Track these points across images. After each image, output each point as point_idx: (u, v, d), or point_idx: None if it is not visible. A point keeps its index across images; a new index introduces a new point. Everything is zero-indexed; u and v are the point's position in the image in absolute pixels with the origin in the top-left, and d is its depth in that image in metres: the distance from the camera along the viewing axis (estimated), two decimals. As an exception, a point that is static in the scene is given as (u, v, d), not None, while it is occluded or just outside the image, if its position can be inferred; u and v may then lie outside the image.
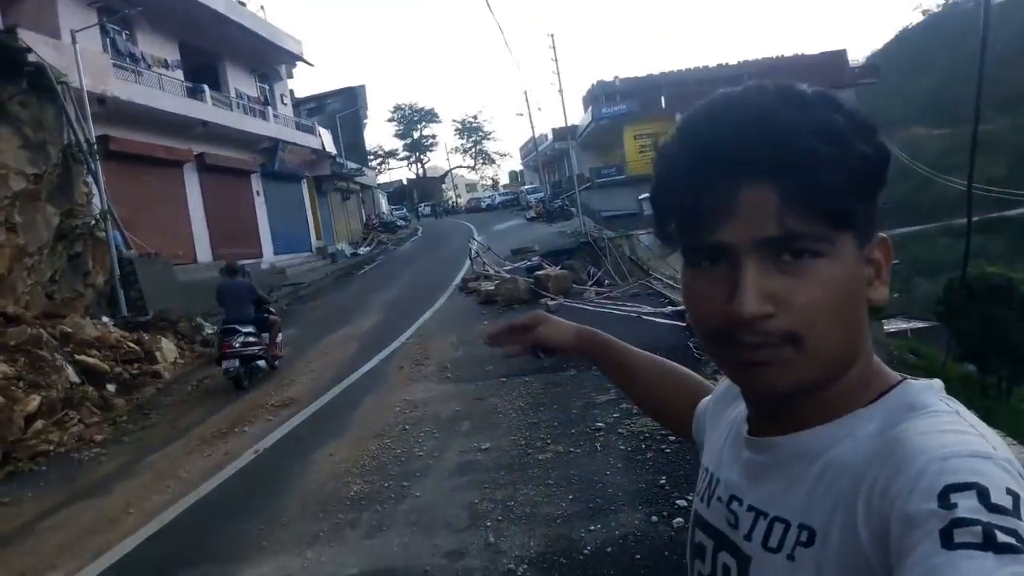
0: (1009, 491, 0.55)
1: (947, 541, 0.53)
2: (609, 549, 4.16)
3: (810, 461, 0.71)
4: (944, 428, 0.63)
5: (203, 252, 19.79)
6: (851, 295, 0.69)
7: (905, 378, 0.73)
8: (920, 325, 29.00)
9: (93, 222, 13.71)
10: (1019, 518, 0.53)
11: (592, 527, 4.46)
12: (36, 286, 12.32)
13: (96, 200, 14.02)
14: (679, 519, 4.34)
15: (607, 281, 17.20)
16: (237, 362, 9.72)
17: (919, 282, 36.63)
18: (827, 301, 0.66)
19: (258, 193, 24.42)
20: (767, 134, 0.66)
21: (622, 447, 5.75)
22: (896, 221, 38.08)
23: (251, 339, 10.05)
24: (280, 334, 11.18)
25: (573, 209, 31.35)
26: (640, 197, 35.60)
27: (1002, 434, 4.62)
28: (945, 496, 0.56)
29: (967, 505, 0.54)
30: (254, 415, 8.37)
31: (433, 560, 4.30)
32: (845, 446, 0.69)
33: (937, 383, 0.71)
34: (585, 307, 12.64)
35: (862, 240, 0.69)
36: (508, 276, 15.13)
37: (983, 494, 0.55)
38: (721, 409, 0.94)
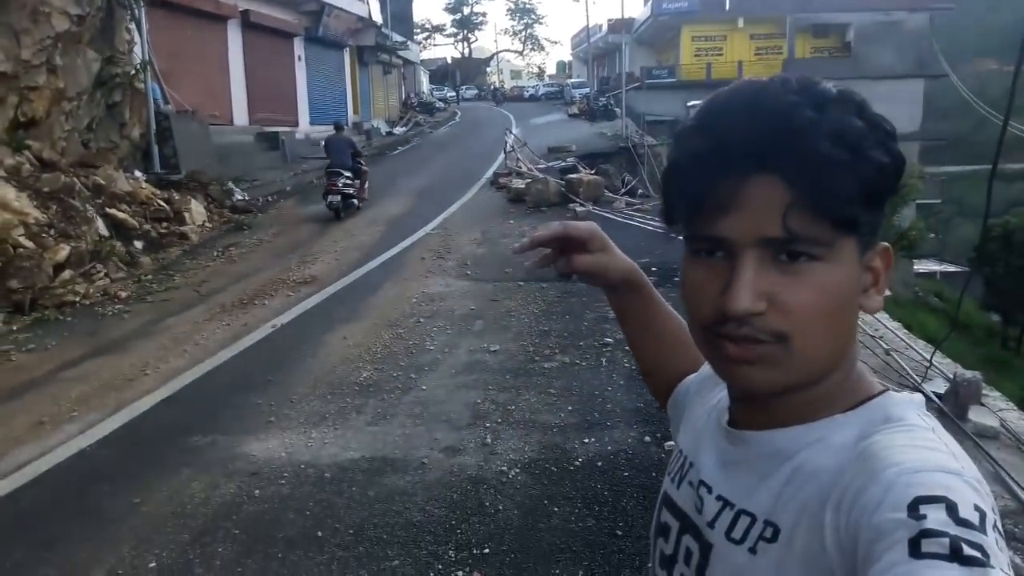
0: (976, 507, 0.57)
1: (915, 550, 0.55)
2: (600, 463, 4.29)
3: (781, 461, 0.72)
4: (918, 443, 0.64)
5: (240, 115, 19.65)
6: (844, 301, 0.68)
7: (887, 389, 0.74)
8: (951, 269, 28.56)
9: (133, 72, 13.58)
10: (985, 533, 0.55)
11: (586, 440, 4.58)
12: (73, 132, 12.37)
13: (137, 49, 13.83)
14: (671, 442, 4.43)
15: (640, 191, 16.96)
16: (339, 197, 12.55)
17: (958, 223, 35.78)
18: (819, 305, 0.67)
19: (299, 59, 23.96)
20: (781, 133, 0.65)
21: (627, 364, 5.82)
22: (948, 158, 36.83)
23: (348, 182, 12.86)
24: (368, 181, 14.03)
25: (617, 110, 30.55)
26: (689, 103, 34.58)
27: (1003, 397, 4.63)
28: (915, 507, 0.57)
29: (936, 517, 0.56)
30: (275, 289, 8.54)
31: (431, 453, 4.47)
32: (817, 451, 0.70)
33: (919, 398, 0.72)
34: (614, 216, 12.54)
35: (864, 247, 0.69)
36: (540, 176, 14.95)
37: (952, 508, 0.56)
38: (704, 392, 0.94)
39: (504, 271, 9.05)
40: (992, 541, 0.55)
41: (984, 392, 4.13)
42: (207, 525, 3.77)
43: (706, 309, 0.70)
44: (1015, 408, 4.20)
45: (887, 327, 5.64)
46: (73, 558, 3.55)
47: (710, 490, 0.79)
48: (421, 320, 7.18)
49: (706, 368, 0.97)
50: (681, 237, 0.76)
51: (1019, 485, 3.27)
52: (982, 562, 0.53)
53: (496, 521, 3.72)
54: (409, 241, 11.06)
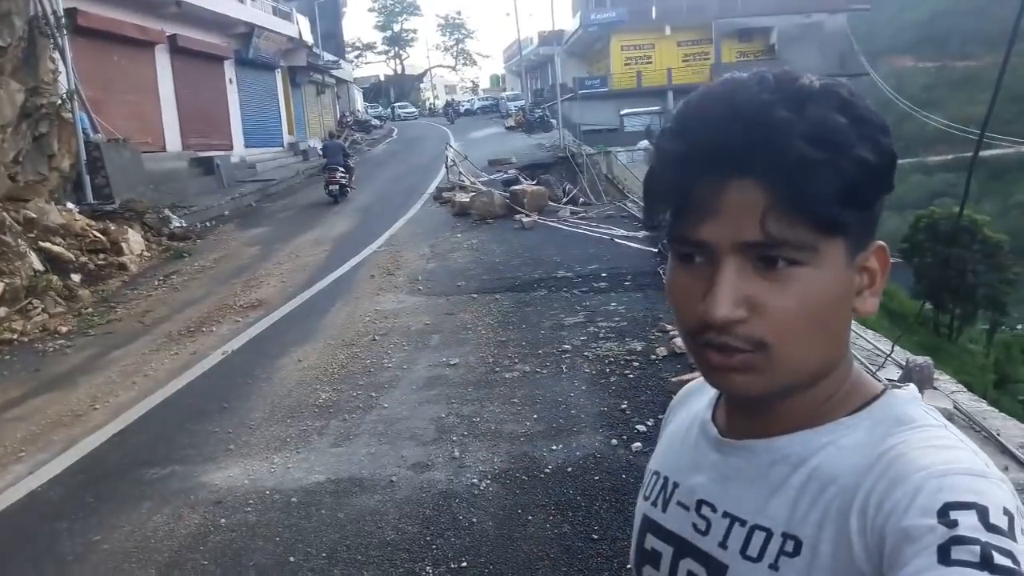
0: (1006, 511, 0.56)
1: (944, 557, 0.54)
2: (569, 469, 4.31)
3: (792, 468, 0.70)
4: (937, 443, 0.64)
5: (172, 141, 19.24)
6: (831, 306, 0.67)
7: (887, 388, 0.73)
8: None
9: (59, 102, 13.19)
10: (1014, 540, 0.55)
11: (554, 447, 4.60)
12: (-1, 166, 11.96)
13: (63, 79, 13.45)
14: (638, 444, 4.49)
15: (581, 199, 17.14)
16: (337, 187, 16.64)
17: (885, 216, 36.99)
18: (802, 311, 0.65)
19: (231, 81, 23.62)
20: (757, 135, 0.64)
21: (587, 370, 5.87)
22: (872, 154, 38.23)
23: (343, 175, 16.95)
24: (354, 175, 18.36)
25: (554, 120, 30.86)
26: (621, 112, 35.18)
27: (957, 378, 4.83)
28: (945, 513, 0.56)
29: (967, 524, 0.55)
30: (222, 315, 8.36)
31: (399, 471, 4.42)
32: (830, 454, 0.68)
33: (916, 392, 0.72)
34: (560, 226, 12.65)
35: (855, 247, 0.67)
36: (484, 189, 15.00)
37: (983, 513, 0.56)
38: (680, 409, 0.92)
39: (456, 284, 9.04)
40: (1021, 547, 0.55)
41: (935, 377, 4.29)
42: (174, 558, 3.66)
43: (690, 316, 0.69)
44: (964, 390, 4.37)
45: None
46: (33, 604, 3.40)
47: (714, 508, 0.76)
48: (376, 338, 7.12)
49: (684, 389, 0.96)
50: (661, 244, 0.74)
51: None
52: (1012, 570, 0.53)
53: (471, 534, 3.70)
54: (357, 260, 10.95)
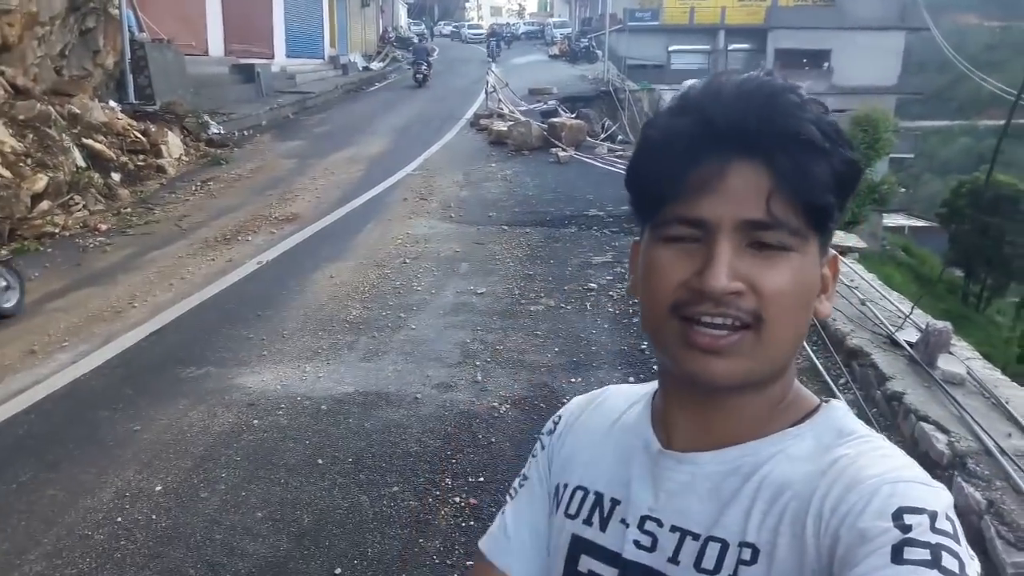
0: (948, 517, 0.61)
1: (897, 556, 0.58)
2: (586, 402, 4.45)
3: (744, 478, 0.71)
4: (884, 453, 0.68)
5: (215, 46, 19.14)
6: (810, 295, 0.70)
7: (823, 401, 0.77)
8: (919, 224, 29.05)
9: None
10: (959, 542, 0.59)
11: (573, 379, 4.76)
12: (45, 59, 12.03)
13: None
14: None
15: (620, 137, 16.96)
16: (421, 76, 23.25)
17: (928, 179, 36.28)
18: (792, 291, 0.67)
19: (276, -12, 23.33)
20: (771, 115, 0.66)
21: (611, 309, 5.99)
22: (923, 112, 37.12)
23: (425, 68, 23.66)
24: (431, 70, 24.20)
25: (599, 52, 30.23)
26: (670, 48, 34.38)
27: (970, 345, 4.87)
28: (899, 516, 0.60)
29: (919, 527, 0.59)
30: (257, 225, 8.53)
31: (423, 389, 4.61)
32: (780, 463, 0.70)
33: (844, 405, 0.77)
34: (596, 163, 12.58)
35: (822, 249, 0.71)
36: (522, 119, 14.88)
37: (932, 518, 0.60)
38: (592, 422, 0.88)
39: (487, 214, 9.11)
40: (965, 549, 0.59)
41: (952, 342, 4.35)
42: (208, 452, 3.90)
43: (675, 291, 0.68)
44: (980, 357, 4.44)
45: (863, 278, 5.85)
46: (79, 479, 3.66)
47: (660, 523, 0.74)
48: (407, 261, 7.26)
49: (576, 402, 0.94)
50: (639, 227, 0.75)
51: (982, 428, 3.50)
52: (958, 573, 0.57)
53: (489, 452, 3.90)
54: (390, 181, 11.03)
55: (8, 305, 5.74)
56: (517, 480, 0.92)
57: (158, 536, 3.27)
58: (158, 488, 3.59)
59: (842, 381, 4.57)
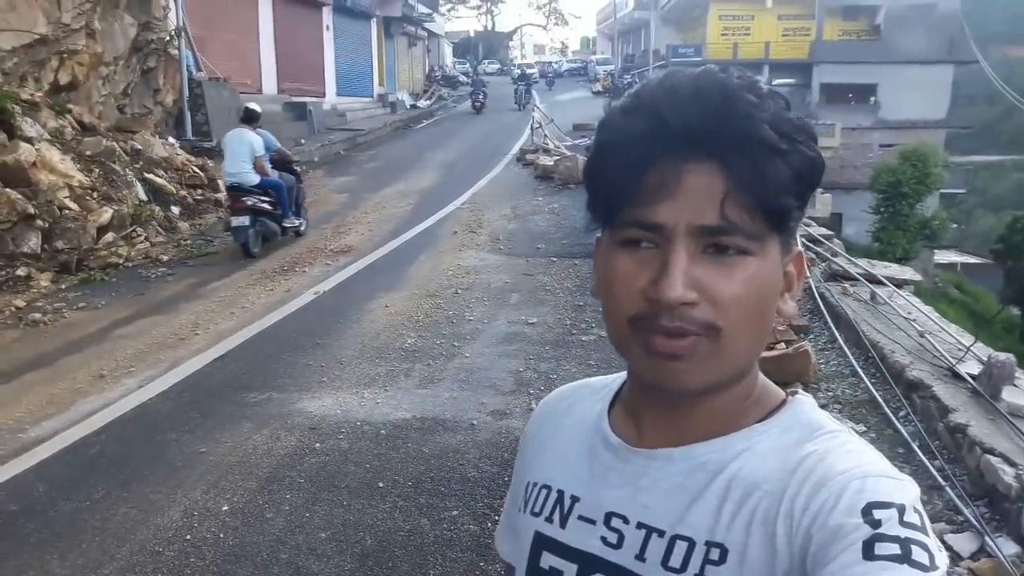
0: (915, 510, 0.61)
1: (868, 552, 0.58)
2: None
3: (711, 475, 0.70)
4: (851, 448, 0.67)
5: (269, 84, 19.80)
6: (770, 298, 0.69)
7: (788, 394, 0.76)
8: (972, 260, 28.42)
9: (168, 38, 13.77)
10: (927, 534, 0.59)
11: (626, 410, 4.75)
12: (109, 97, 12.58)
13: (172, 16, 14.02)
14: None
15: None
16: (479, 104, 25.24)
17: (980, 215, 35.49)
18: (749, 298, 0.66)
19: (328, 28, 24.04)
20: (726, 116, 0.64)
21: (663, 340, 5.98)
22: (973, 146, 36.47)
23: (483, 97, 25.26)
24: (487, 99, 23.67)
25: (642, 88, 30.31)
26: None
27: None
28: (869, 512, 0.60)
29: (888, 521, 0.59)
30: (313, 257, 8.74)
31: (479, 416, 4.67)
32: (748, 460, 0.69)
33: (811, 399, 0.80)
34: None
35: (784, 248, 0.69)
36: (568, 153, 15.03)
37: (900, 511, 0.60)
38: (558, 419, 0.88)
39: (536, 246, 9.20)
40: (934, 542, 0.59)
41: (1016, 374, 4.27)
42: (272, 474, 3.99)
43: (633, 301, 0.67)
44: (1046, 390, 4.34)
45: (920, 310, 5.77)
46: (150, 498, 3.78)
47: (626, 520, 0.73)
48: (459, 292, 7.37)
49: (547, 401, 0.94)
50: (599, 230, 0.74)
51: (1051, 461, 3.43)
52: (928, 568, 0.57)
53: (546, 480, 3.91)
54: (440, 215, 11.22)
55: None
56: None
57: (225, 554, 3.35)
58: (224, 508, 3.68)
59: (902, 414, 4.50)
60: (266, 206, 8.84)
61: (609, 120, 0.70)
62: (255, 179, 8.73)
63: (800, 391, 0.77)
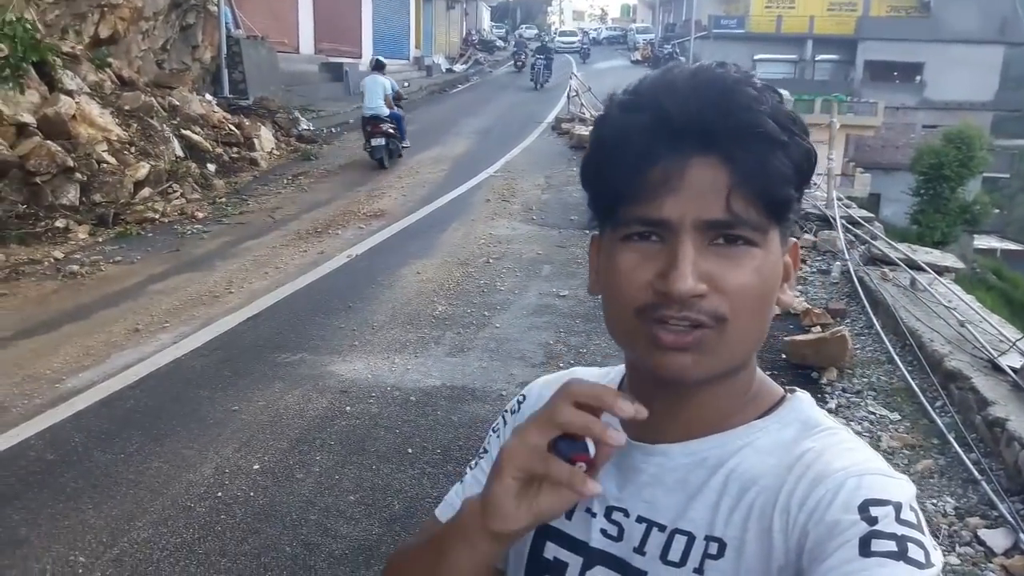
0: (911, 508, 0.61)
1: (865, 549, 0.58)
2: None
3: (711, 470, 0.71)
4: (848, 446, 0.68)
5: (306, 44, 19.72)
6: (773, 288, 0.69)
7: (787, 391, 0.77)
8: (1013, 247, 27.78)
9: None
10: (923, 532, 0.59)
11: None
12: (148, 53, 12.62)
13: None
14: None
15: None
16: (522, 63, 26.31)
17: (1023, 200, 34.61)
18: (755, 289, 0.66)
19: (366, -11, 23.88)
20: (728, 109, 0.64)
21: (695, 318, 5.92)
22: (1019, 131, 35.46)
23: (524, 55, 25.94)
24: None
25: (683, 58, 29.91)
26: (755, 58, 33.76)
27: None
28: (865, 509, 0.60)
29: (885, 518, 0.59)
30: (346, 220, 8.76)
31: (507, 387, 4.66)
32: (747, 456, 0.70)
33: (809, 396, 0.76)
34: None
35: (783, 239, 0.70)
36: (604, 123, 14.84)
37: (897, 509, 0.60)
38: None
39: (569, 218, 9.13)
40: (929, 540, 0.59)
41: (1061, 368, 4.17)
42: (303, 435, 4.03)
43: (640, 294, 0.67)
44: (1091, 387, 4.23)
45: (961, 299, 5.65)
46: (182, 454, 3.84)
47: (627, 514, 0.74)
48: (490, 261, 7.35)
49: (539, 384, 0.90)
50: (596, 227, 0.73)
51: (1093, 459, 3.35)
52: (925, 565, 0.57)
53: (574, 453, 3.91)
54: (473, 182, 11.16)
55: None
56: (477, 454, 0.90)
57: (256, 512, 3.40)
58: (256, 467, 3.73)
59: (938, 404, 4.42)
60: (391, 131, 11.85)
61: (607, 116, 0.70)
62: (386, 111, 11.77)
63: (799, 389, 0.74)
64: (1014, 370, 4.27)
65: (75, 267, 6.81)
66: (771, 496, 0.66)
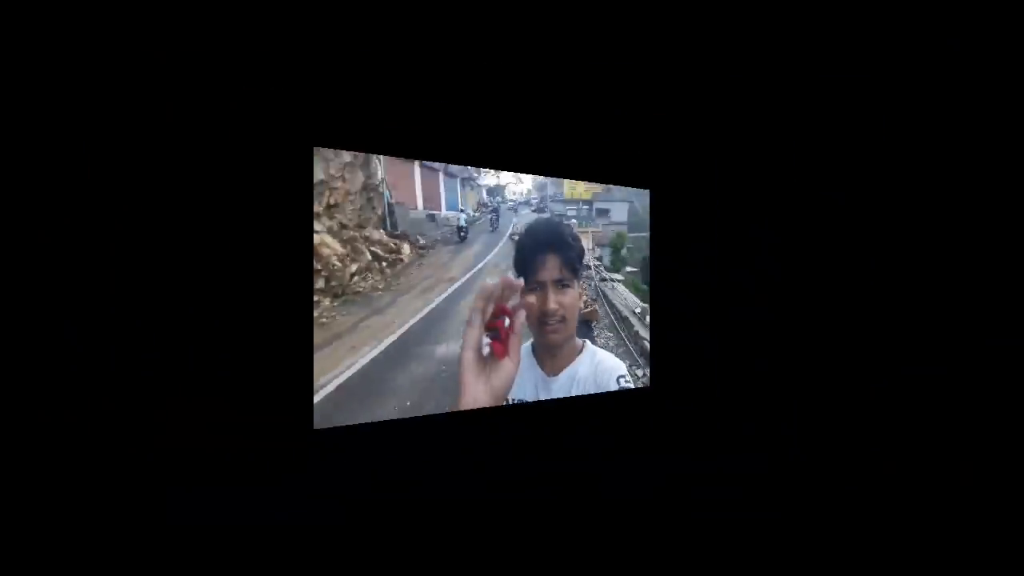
0: (627, 376, 2.45)
1: (618, 383, 2.41)
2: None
3: (571, 377, 2.28)
4: (607, 355, 2.47)
5: (420, 203, 26.30)
6: (578, 305, 2.18)
7: (584, 341, 2.37)
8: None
9: (377, 183, 22.16)
10: (632, 385, 2.44)
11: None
12: (354, 212, 21.01)
13: (379, 171, 22.30)
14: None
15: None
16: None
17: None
18: (574, 305, 2.15)
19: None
20: (558, 234, 2.30)
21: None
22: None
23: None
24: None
25: (547, 213, 26.23)
26: (567, 210, 37.50)
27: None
28: (623, 375, 2.39)
29: (623, 377, 2.49)
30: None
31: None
32: (583, 369, 2.30)
33: (590, 342, 2.40)
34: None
35: (579, 283, 2.22)
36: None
37: (625, 378, 2.47)
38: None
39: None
40: (630, 376, 2.29)
41: None
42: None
43: (537, 312, 2.07)
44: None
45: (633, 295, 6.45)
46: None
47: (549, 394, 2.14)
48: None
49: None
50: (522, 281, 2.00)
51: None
52: (633, 386, 2.30)
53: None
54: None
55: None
56: None
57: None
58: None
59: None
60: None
61: (521, 240, 2.36)
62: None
63: (587, 340, 2.56)
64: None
65: (324, 320, 13.21)
66: (590, 377, 2.34)
